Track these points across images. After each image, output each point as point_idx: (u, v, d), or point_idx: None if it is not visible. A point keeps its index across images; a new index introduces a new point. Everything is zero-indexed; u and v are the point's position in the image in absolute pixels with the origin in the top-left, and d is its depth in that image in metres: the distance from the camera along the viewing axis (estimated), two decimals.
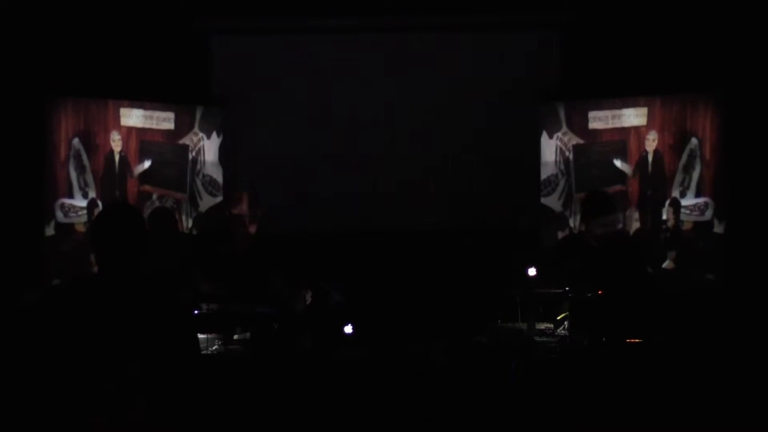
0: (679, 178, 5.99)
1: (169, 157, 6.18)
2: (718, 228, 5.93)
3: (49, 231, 5.82)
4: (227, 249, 4.85)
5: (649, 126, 6.05)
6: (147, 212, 5.64)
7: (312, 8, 6.33)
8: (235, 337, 4.31)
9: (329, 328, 4.41)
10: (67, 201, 5.87)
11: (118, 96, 6.02)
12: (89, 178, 5.92)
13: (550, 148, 6.20)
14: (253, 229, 4.92)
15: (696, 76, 6.00)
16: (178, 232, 5.77)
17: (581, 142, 6.16)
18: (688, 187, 5.98)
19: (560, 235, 6.09)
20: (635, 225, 6.03)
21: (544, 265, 4.63)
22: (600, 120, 6.14)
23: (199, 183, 6.21)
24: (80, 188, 5.89)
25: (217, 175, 6.25)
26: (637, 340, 4.20)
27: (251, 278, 4.73)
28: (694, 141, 5.97)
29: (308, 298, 4.56)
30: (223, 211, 5.76)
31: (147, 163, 6.05)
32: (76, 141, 5.90)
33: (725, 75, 5.94)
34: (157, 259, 3.47)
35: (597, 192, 5.12)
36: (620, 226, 4.93)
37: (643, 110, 6.06)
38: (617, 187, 6.05)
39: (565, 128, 6.18)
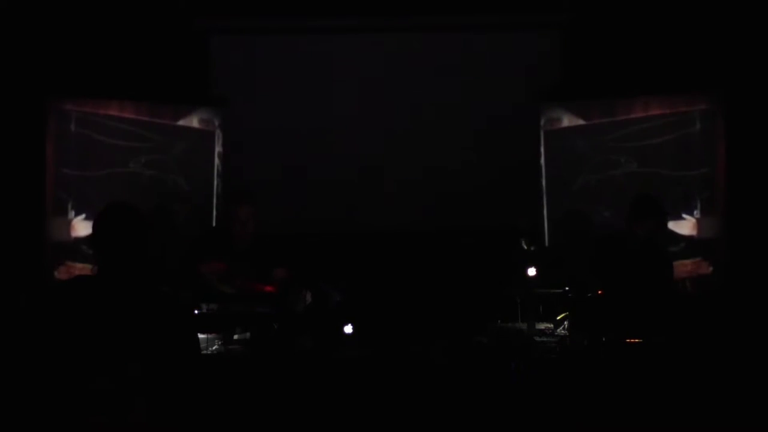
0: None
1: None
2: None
3: (50, 231, 5.81)
4: (227, 249, 4.85)
5: (649, 126, 6.05)
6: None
7: (312, 8, 6.33)
8: (235, 337, 4.31)
9: (329, 328, 4.41)
10: (68, 201, 5.86)
11: (118, 96, 6.02)
12: (89, 177, 5.92)
13: (550, 148, 6.20)
14: (252, 228, 4.91)
15: (696, 76, 6.00)
16: (177, 230, 5.77)
17: (581, 142, 6.16)
18: None
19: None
20: None
21: (545, 265, 4.64)
22: (600, 120, 6.14)
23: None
24: (80, 188, 5.89)
25: (217, 174, 6.25)
26: (637, 340, 4.20)
27: (252, 277, 4.73)
28: (694, 141, 5.97)
29: (308, 299, 4.55)
30: (223, 210, 5.76)
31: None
32: (76, 141, 5.89)
33: (725, 75, 5.94)
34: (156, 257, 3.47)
35: (644, 194, 5.12)
36: (661, 230, 4.94)
37: (644, 110, 6.06)
38: None
39: (565, 128, 6.18)
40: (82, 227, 5.82)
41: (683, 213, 5.95)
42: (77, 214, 5.85)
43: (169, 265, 4.90)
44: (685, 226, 5.96)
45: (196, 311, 4.24)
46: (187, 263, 4.77)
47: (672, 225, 5.94)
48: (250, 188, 5.38)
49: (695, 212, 5.94)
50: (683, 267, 5.96)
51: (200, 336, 4.13)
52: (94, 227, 2.73)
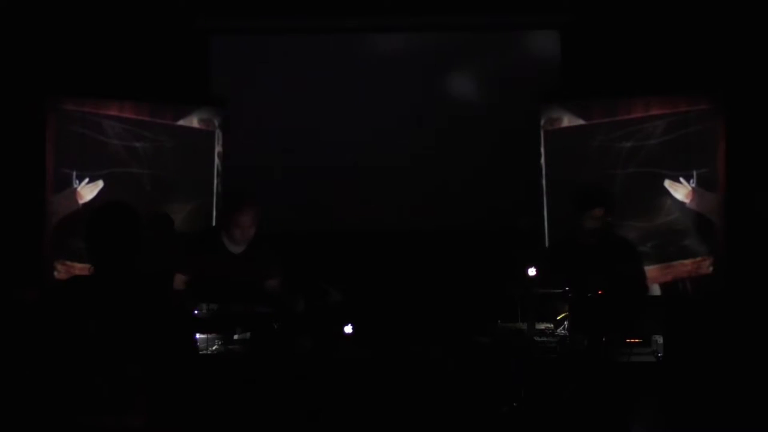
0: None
1: None
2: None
3: (49, 230, 5.81)
4: (223, 251, 4.84)
5: (649, 126, 6.05)
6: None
7: (312, 8, 6.33)
8: (235, 337, 4.30)
9: (329, 328, 4.41)
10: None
11: (118, 96, 6.02)
12: (89, 176, 5.93)
13: (550, 148, 6.20)
14: (253, 233, 4.89)
15: (696, 76, 6.00)
16: (176, 234, 5.76)
17: (581, 142, 6.16)
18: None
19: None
20: None
21: (545, 266, 4.63)
22: (600, 120, 6.14)
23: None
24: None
25: (217, 174, 6.25)
26: (636, 340, 4.19)
27: (251, 277, 4.71)
28: (694, 141, 5.97)
29: (301, 306, 4.53)
30: (223, 213, 5.74)
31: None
32: (76, 141, 5.89)
33: (725, 75, 5.94)
34: (155, 262, 3.45)
35: (584, 185, 5.10)
36: (610, 218, 4.91)
37: (644, 110, 6.06)
38: None
39: (565, 128, 6.18)
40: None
41: (680, 177, 5.95)
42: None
43: (169, 263, 4.89)
44: (680, 191, 5.95)
45: (195, 311, 4.24)
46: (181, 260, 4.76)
47: (668, 219, 5.95)
48: (250, 191, 5.36)
49: (691, 181, 5.93)
50: (683, 267, 5.96)
51: (200, 336, 4.13)
52: (89, 226, 2.72)
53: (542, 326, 4.43)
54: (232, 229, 4.71)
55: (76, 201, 5.85)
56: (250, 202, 4.77)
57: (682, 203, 5.97)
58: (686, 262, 5.98)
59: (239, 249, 4.78)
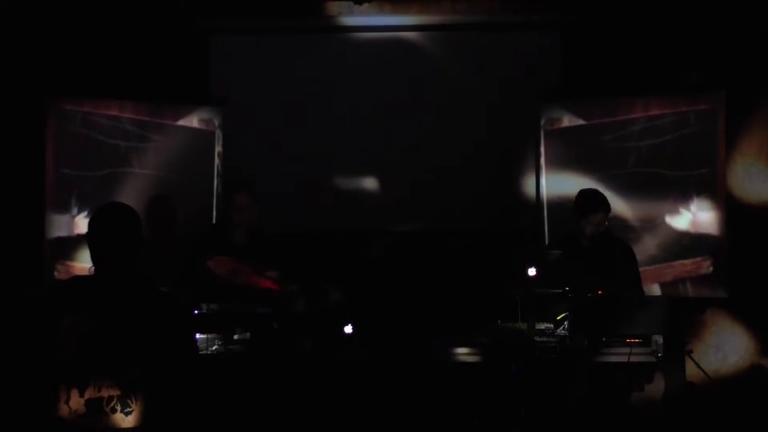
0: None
1: None
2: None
3: (50, 230, 5.81)
4: (226, 245, 4.85)
5: (649, 126, 6.05)
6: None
7: (312, 8, 6.33)
8: (235, 337, 4.31)
9: (329, 328, 4.41)
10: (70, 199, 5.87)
11: (118, 96, 6.02)
12: (89, 177, 5.92)
13: (550, 148, 6.20)
14: (252, 217, 4.91)
15: (696, 76, 5.99)
16: (176, 218, 5.77)
17: (581, 142, 6.16)
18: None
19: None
20: None
21: (545, 265, 4.64)
22: (600, 120, 6.14)
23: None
24: (80, 188, 5.89)
25: (217, 174, 6.25)
26: (636, 340, 4.19)
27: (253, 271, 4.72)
28: (694, 141, 5.97)
29: (301, 305, 4.54)
30: (222, 201, 5.75)
31: None
32: (76, 141, 5.89)
33: (725, 75, 5.94)
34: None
35: (587, 190, 5.14)
36: (607, 222, 4.93)
37: (644, 110, 6.06)
38: None
39: (565, 128, 6.18)
40: (84, 225, 5.80)
41: (681, 208, 5.95)
42: (80, 211, 5.85)
43: (169, 263, 4.90)
44: (682, 222, 5.95)
45: (196, 311, 4.24)
46: (192, 260, 4.78)
47: (668, 219, 5.95)
48: (248, 187, 5.38)
49: (692, 207, 5.93)
50: (683, 267, 5.96)
51: (200, 336, 4.14)
52: (90, 227, 2.74)
53: (542, 326, 4.44)
54: (233, 213, 4.79)
55: (73, 230, 5.83)
56: (245, 183, 4.87)
57: (681, 203, 5.97)
58: (686, 262, 5.97)
59: (242, 240, 4.82)
